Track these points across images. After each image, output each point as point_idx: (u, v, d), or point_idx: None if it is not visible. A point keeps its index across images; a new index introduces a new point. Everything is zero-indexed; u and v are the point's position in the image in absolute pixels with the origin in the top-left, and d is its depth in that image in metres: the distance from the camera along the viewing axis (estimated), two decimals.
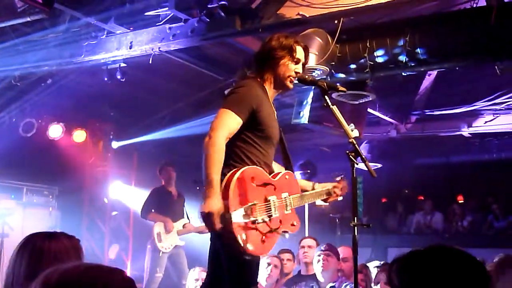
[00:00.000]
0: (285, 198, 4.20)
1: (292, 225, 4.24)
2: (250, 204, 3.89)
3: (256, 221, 3.89)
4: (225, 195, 3.83)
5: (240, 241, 3.80)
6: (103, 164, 12.17)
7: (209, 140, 3.83)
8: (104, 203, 12.26)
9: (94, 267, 1.62)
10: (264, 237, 3.94)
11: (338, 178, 4.78)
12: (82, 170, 12.05)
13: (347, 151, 3.99)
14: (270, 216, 4.01)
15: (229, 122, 3.95)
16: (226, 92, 4.17)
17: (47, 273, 1.58)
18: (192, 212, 9.89)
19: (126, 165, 12.28)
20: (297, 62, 4.31)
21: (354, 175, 4.01)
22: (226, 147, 3.93)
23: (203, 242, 9.58)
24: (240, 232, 3.81)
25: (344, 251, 7.30)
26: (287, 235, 4.19)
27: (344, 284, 6.63)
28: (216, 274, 4.19)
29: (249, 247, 3.84)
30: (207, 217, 3.73)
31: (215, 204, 3.73)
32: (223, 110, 3.97)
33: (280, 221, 4.09)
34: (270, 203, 4.03)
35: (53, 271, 1.57)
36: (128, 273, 11.31)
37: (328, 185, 4.75)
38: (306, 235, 9.47)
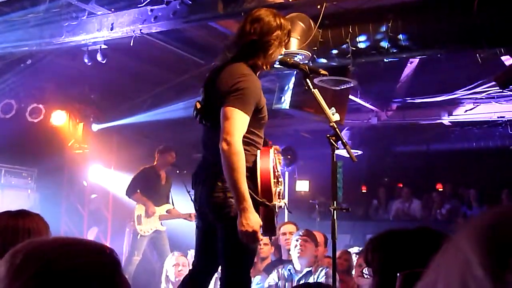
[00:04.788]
0: (279, 173, 4.18)
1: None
2: (275, 189, 3.93)
3: (276, 207, 3.93)
4: (263, 180, 3.84)
5: (276, 227, 3.94)
6: (83, 147, 12.09)
7: (230, 148, 3.68)
8: (83, 186, 12.21)
9: (76, 244, 1.54)
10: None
11: None
12: (62, 153, 11.96)
13: (328, 135, 3.98)
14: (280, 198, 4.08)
15: (243, 124, 3.78)
16: (219, 78, 3.99)
17: (20, 245, 1.49)
18: (177, 197, 9.82)
19: (106, 148, 12.21)
20: (285, 46, 4.20)
21: (335, 159, 4.01)
22: None
23: (186, 227, 9.62)
24: (274, 217, 3.92)
25: (316, 236, 7.30)
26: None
27: (320, 269, 6.64)
28: (233, 266, 4.07)
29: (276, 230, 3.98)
30: (251, 235, 3.69)
31: (256, 219, 3.71)
32: (233, 110, 3.76)
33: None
34: (279, 184, 4.06)
35: (26, 244, 1.49)
36: None
37: None
38: (286, 220, 9.48)
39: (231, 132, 3.70)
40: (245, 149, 3.83)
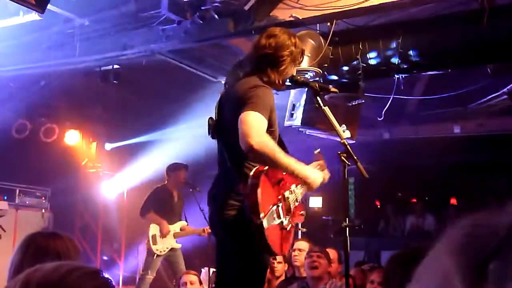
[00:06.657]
0: (293, 189, 4.09)
1: (301, 215, 4.24)
2: (275, 205, 3.83)
3: (282, 223, 3.87)
4: (252, 198, 3.68)
5: (271, 246, 3.73)
6: (96, 166, 12.15)
7: (252, 145, 3.63)
8: (97, 204, 12.24)
9: (75, 270, 1.59)
10: (287, 235, 3.94)
11: (316, 151, 4.68)
12: (75, 172, 12.03)
13: (339, 152, 3.99)
14: (289, 214, 3.99)
15: (259, 122, 3.73)
16: (235, 90, 4.01)
17: (28, 272, 1.55)
18: (189, 214, 9.81)
19: (119, 166, 12.26)
20: (298, 65, 4.28)
21: (346, 176, 4.02)
22: (240, 149, 3.77)
23: (199, 245, 9.61)
24: (271, 236, 3.73)
25: (329, 253, 7.26)
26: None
27: (334, 286, 6.61)
28: (244, 283, 4.03)
29: (277, 249, 3.82)
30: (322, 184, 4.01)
31: (316, 173, 3.99)
32: (246, 114, 3.74)
33: (293, 214, 4.07)
34: (288, 200, 3.98)
35: (33, 271, 1.55)
36: (121, 274, 11.33)
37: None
38: (299, 237, 9.45)
39: (248, 132, 3.67)
40: (253, 166, 3.85)
